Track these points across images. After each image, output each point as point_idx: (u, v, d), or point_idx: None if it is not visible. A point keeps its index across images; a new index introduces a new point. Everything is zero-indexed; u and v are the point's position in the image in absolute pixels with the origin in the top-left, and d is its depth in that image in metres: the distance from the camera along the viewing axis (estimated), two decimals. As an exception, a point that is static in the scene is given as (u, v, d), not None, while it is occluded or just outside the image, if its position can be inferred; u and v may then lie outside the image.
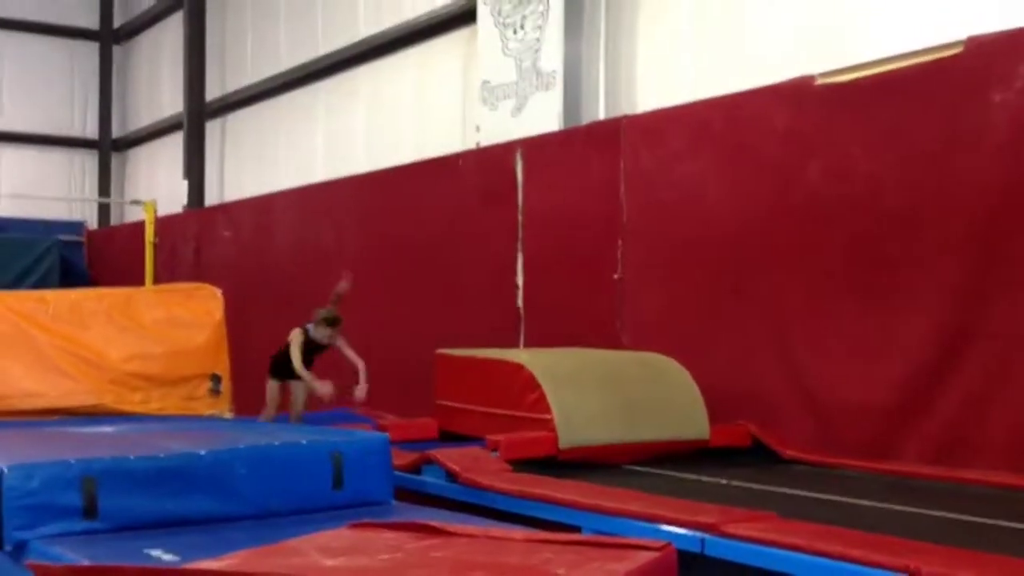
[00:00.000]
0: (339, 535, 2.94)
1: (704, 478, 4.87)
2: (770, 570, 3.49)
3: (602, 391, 5.43)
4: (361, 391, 6.26)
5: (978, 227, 5.00)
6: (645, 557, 2.63)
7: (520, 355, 5.86)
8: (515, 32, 8.29)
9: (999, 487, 4.49)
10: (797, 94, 5.88)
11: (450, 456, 4.94)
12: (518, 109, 8.24)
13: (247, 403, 7.12)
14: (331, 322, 6.30)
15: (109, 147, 17.48)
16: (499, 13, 8.44)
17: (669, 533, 3.64)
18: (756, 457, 5.50)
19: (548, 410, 5.22)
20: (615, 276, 6.87)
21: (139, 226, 13.02)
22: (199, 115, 13.75)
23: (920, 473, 4.85)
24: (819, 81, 5.78)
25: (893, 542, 3.35)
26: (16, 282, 12.87)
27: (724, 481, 4.79)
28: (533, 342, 7.35)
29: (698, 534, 3.65)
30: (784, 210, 5.90)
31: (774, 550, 3.45)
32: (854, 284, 5.53)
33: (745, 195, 6.13)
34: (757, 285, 6.03)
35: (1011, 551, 3.22)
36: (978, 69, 5.03)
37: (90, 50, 17.40)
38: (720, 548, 3.59)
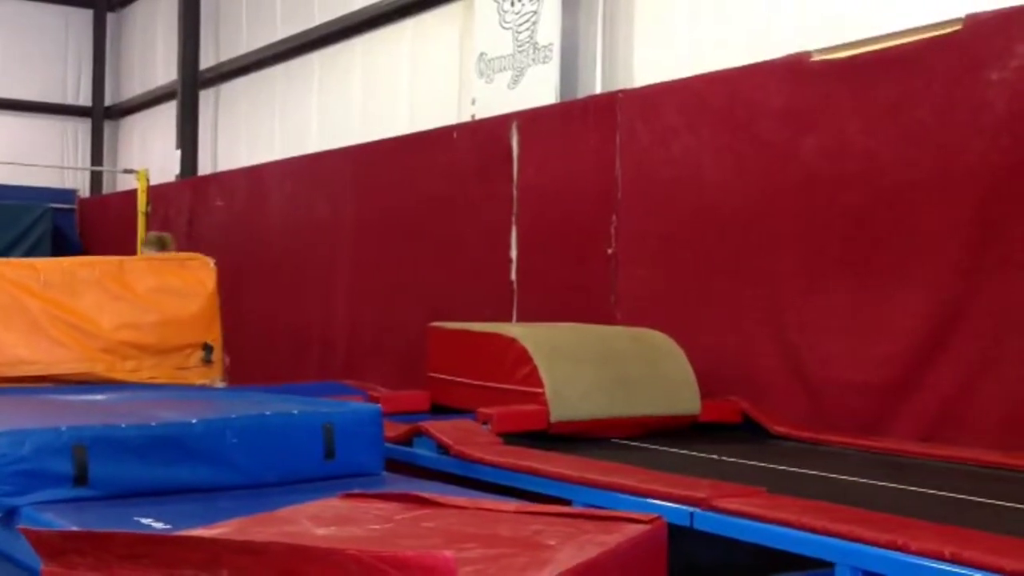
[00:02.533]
0: (330, 505, 2.94)
1: (694, 453, 4.89)
2: (759, 544, 3.51)
3: (594, 365, 5.44)
4: None
5: (974, 205, 5.00)
6: (635, 530, 2.64)
7: (513, 329, 5.86)
8: (512, 4, 8.25)
9: (988, 465, 4.52)
10: (794, 70, 5.86)
11: (441, 428, 4.94)
12: (514, 82, 8.21)
13: (239, 373, 7.12)
14: (161, 244, 6.85)
15: (102, 115, 17.40)
16: (496, -15, 8.39)
17: (659, 507, 3.65)
18: (747, 433, 5.53)
19: (540, 384, 5.23)
20: (609, 251, 6.87)
21: (131, 195, 12.98)
22: (193, 84, 13.68)
23: (910, 451, 4.87)
24: (816, 57, 5.76)
25: (881, 518, 3.37)
26: (7, 250, 12.84)
27: (714, 456, 4.80)
28: (526, 316, 7.36)
29: (688, 508, 3.66)
30: (779, 186, 5.90)
31: (763, 524, 3.46)
32: (849, 261, 5.54)
33: (741, 171, 6.13)
34: (751, 261, 6.03)
35: (997, 528, 3.24)
36: (977, 47, 5.01)
37: (84, 17, 17.30)
38: (709, 522, 3.61)
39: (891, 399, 5.28)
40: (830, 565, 3.26)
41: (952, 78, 5.11)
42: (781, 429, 5.45)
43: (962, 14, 5.11)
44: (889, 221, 5.35)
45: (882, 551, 3.10)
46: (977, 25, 5.02)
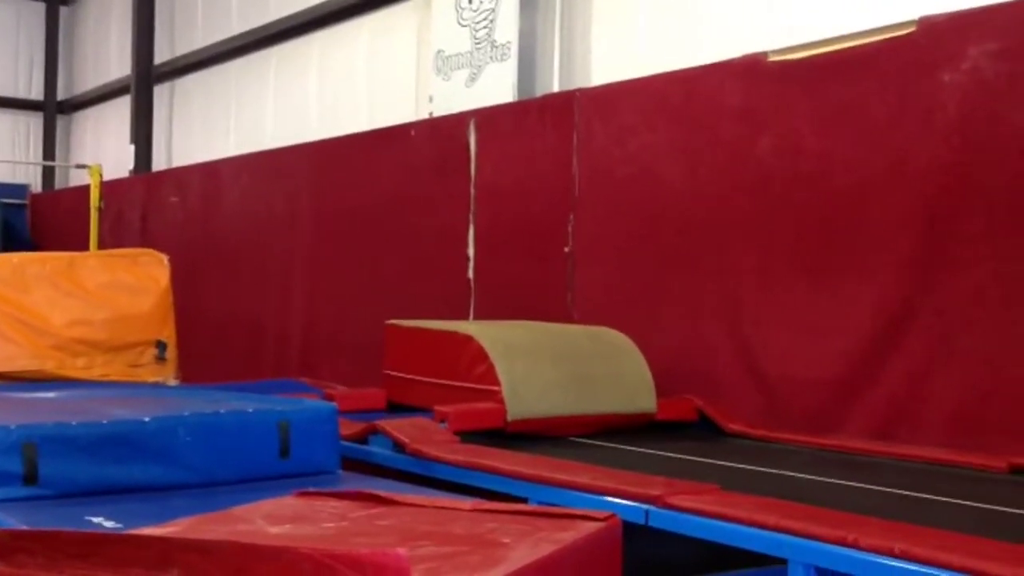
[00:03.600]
0: (285, 503, 2.92)
1: (650, 451, 4.91)
2: (712, 541, 3.53)
3: (551, 364, 5.45)
4: None
5: (925, 205, 5.06)
6: (590, 527, 2.64)
7: (469, 327, 5.86)
8: (470, 2, 8.24)
9: (939, 463, 4.58)
10: (750, 70, 5.90)
11: (398, 427, 4.93)
12: (472, 80, 8.20)
13: (193, 370, 7.05)
14: None
15: (55, 109, 17.17)
16: (454, -18, 8.38)
17: (614, 504, 3.67)
18: (702, 431, 5.56)
19: (496, 382, 5.22)
20: (566, 249, 6.88)
21: (84, 190, 12.82)
22: (147, 79, 13.53)
23: (862, 448, 4.93)
24: (772, 58, 5.81)
25: (833, 515, 3.40)
26: (-43, 245, 12.64)
27: (669, 454, 4.83)
28: (483, 314, 7.35)
29: (643, 506, 3.68)
30: (735, 186, 5.94)
31: (716, 522, 3.49)
32: (803, 260, 5.59)
33: (697, 170, 6.16)
34: (707, 260, 6.07)
35: (947, 525, 3.28)
36: (930, 49, 5.08)
37: (37, 11, 17.06)
38: (664, 519, 3.63)
39: (844, 396, 5.34)
40: (783, 561, 3.29)
41: (905, 79, 5.17)
42: (735, 427, 5.49)
43: (916, 16, 5.17)
44: (842, 220, 5.40)
45: (834, 547, 3.14)
46: (930, 27, 5.09)
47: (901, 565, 2.96)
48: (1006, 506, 3.65)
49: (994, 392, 4.81)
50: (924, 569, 2.91)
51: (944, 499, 3.83)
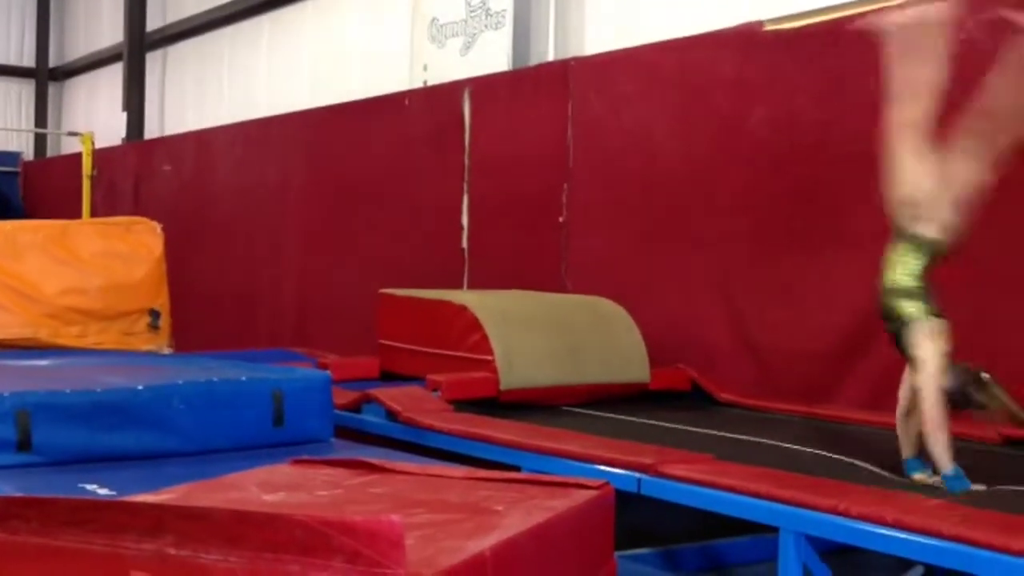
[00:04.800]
0: (278, 471, 2.93)
1: (643, 420, 4.93)
2: (705, 509, 3.55)
3: (544, 333, 5.46)
4: None
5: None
6: (583, 495, 2.66)
7: (463, 296, 5.86)
8: (465, -31, 8.17)
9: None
10: (746, 40, 5.87)
11: (391, 395, 4.94)
12: (466, 48, 8.15)
13: (186, 339, 7.05)
14: None
15: (46, 77, 17.05)
16: (449, -51, 8.31)
17: (607, 473, 3.68)
18: (695, 401, 5.58)
19: (490, 351, 5.23)
20: (560, 219, 6.87)
21: (76, 158, 12.75)
22: (140, 46, 13.43)
23: (853, 418, 4.95)
24: (768, 27, 5.78)
25: (824, 483, 3.42)
26: (-51, 213, 12.58)
27: (663, 424, 4.85)
28: (477, 284, 7.35)
29: (635, 474, 3.70)
30: (730, 156, 5.93)
31: (709, 490, 3.51)
32: (797, 231, 5.59)
33: (692, 140, 6.14)
34: (701, 231, 6.07)
35: (936, 494, 3.31)
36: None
37: (28, -24, 16.92)
38: (656, 488, 3.65)
39: (836, 367, 5.35)
40: (775, 530, 3.32)
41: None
42: (728, 397, 5.51)
43: (911, -14, 5.14)
44: (837, 191, 5.40)
45: (825, 516, 3.16)
46: (926, -3, 5.05)
47: (892, 533, 2.98)
48: (997, 476, 3.67)
49: (987, 364, 4.82)
50: (915, 537, 2.93)
51: (934, 469, 3.85)
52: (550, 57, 7.66)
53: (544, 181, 6.98)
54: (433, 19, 8.46)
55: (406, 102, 8.33)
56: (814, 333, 5.44)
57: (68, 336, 5.88)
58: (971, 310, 4.49)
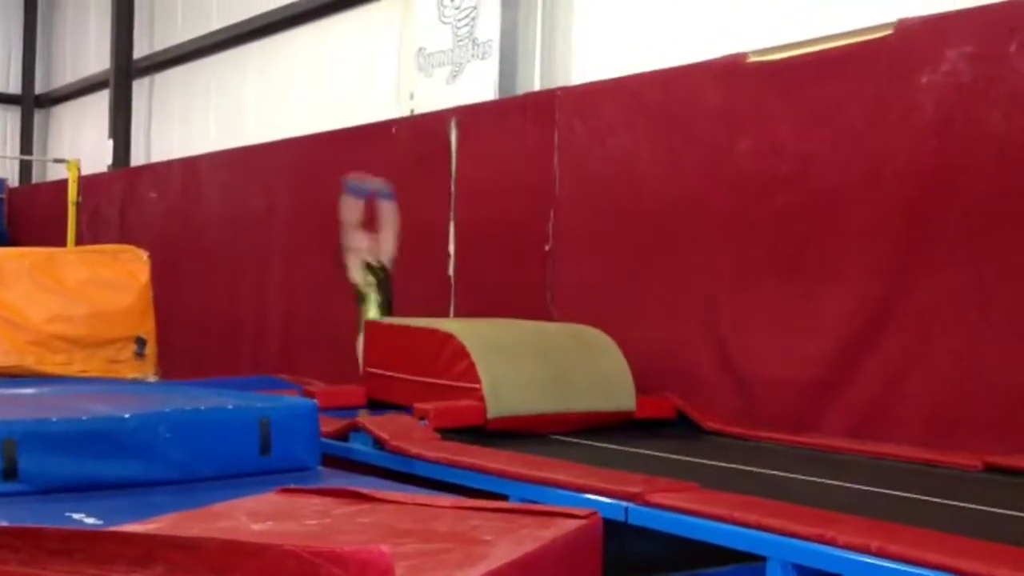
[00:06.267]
0: (266, 500, 2.93)
1: (629, 449, 4.93)
2: (691, 538, 3.56)
3: (531, 361, 5.46)
4: None
5: (902, 206, 5.10)
6: (571, 524, 2.66)
7: (450, 324, 5.86)
8: (452, -1, 8.24)
9: (916, 461, 4.61)
10: (730, 71, 5.93)
11: (378, 424, 4.93)
12: (453, 77, 8.20)
13: (172, 367, 7.04)
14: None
15: (32, 103, 17.05)
16: (436, -20, 8.37)
17: (595, 502, 3.68)
18: (680, 429, 5.58)
19: (477, 380, 5.23)
20: (546, 247, 6.90)
21: (62, 185, 12.74)
22: (126, 73, 13.46)
23: (839, 447, 4.96)
24: (752, 59, 5.84)
25: (811, 512, 3.43)
26: (-67, 240, 12.54)
27: (649, 452, 4.85)
28: (463, 311, 7.36)
29: (622, 503, 3.70)
30: (714, 185, 5.97)
31: (695, 519, 3.51)
32: (781, 260, 5.62)
33: (677, 170, 6.19)
34: (686, 259, 6.10)
35: (923, 523, 3.32)
36: (907, 51, 5.12)
37: (15, 3, 16.93)
38: (643, 517, 3.65)
39: (821, 396, 5.37)
40: (762, 559, 3.32)
41: (883, 81, 5.21)
42: (714, 425, 5.52)
43: (893, 19, 5.21)
44: (820, 221, 5.44)
45: (812, 545, 3.17)
46: (907, 30, 5.13)
47: (878, 563, 2.99)
48: (982, 504, 3.69)
49: (970, 392, 4.86)
50: (901, 567, 2.94)
51: (920, 497, 3.87)
52: (536, 87, 7.71)
53: (530, 209, 7.01)
54: (420, 48, 8.52)
55: (393, 130, 8.36)
56: (799, 362, 5.46)
57: (54, 364, 5.86)
58: None
